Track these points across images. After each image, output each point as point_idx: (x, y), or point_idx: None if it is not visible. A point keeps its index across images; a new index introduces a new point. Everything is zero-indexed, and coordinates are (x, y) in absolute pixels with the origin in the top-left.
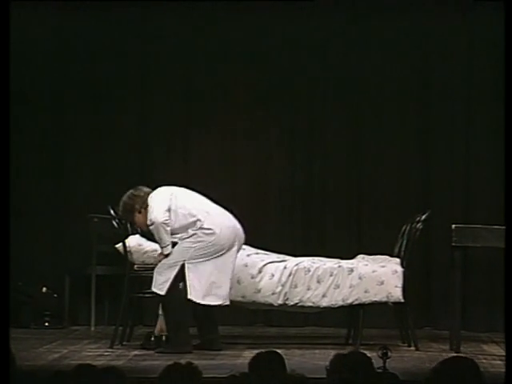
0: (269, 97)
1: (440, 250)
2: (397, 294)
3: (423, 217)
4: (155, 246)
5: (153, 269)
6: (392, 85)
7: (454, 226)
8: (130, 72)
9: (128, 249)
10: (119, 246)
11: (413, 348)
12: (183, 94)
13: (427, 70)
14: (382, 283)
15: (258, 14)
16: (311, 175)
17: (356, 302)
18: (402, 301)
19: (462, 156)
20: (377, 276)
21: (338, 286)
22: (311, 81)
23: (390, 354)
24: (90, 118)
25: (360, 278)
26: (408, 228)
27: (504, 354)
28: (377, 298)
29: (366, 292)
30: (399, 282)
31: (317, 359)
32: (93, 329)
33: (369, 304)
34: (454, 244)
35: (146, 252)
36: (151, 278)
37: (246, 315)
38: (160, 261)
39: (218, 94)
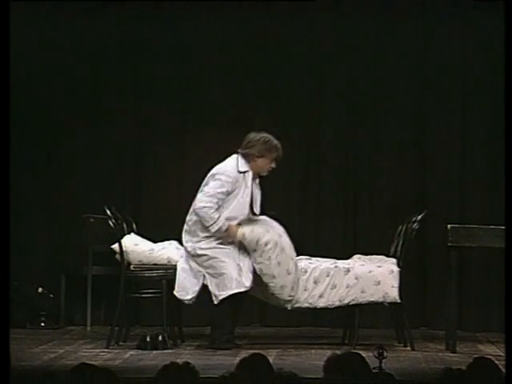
0: (266, 96)
1: (436, 250)
2: (393, 294)
3: (419, 217)
4: (151, 245)
5: (150, 269)
6: (389, 85)
7: (449, 226)
8: (127, 71)
9: (124, 249)
10: (115, 246)
11: (409, 348)
12: (181, 93)
13: (425, 70)
14: (379, 283)
15: (257, 13)
16: (307, 175)
17: (353, 303)
18: (399, 301)
19: (458, 156)
20: (373, 276)
21: (334, 287)
22: (308, 81)
23: (385, 354)
24: (86, 118)
25: (356, 279)
26: (404, 228)
27: (500, 353)
28: (373, 298)
29: (362, 292)
30: (396, 282)
31: (313, 359)
32: (89, 329)
33: (365, 304)
34: (449, 244)
35: (142, 252)
36: (148, 278)
37: (242, 315)
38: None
39: (215, 93)
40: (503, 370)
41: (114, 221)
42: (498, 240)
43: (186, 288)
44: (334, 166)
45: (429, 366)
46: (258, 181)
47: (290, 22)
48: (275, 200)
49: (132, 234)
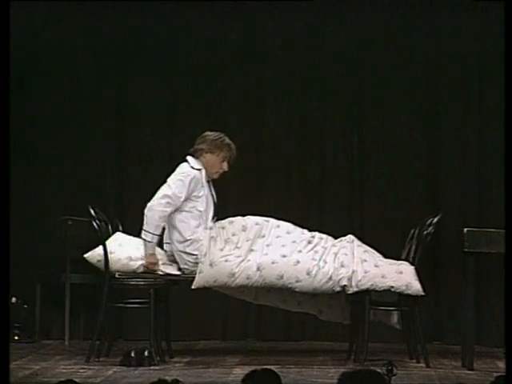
0: (264, 91)
1: (451, 256)
2: (417, 286)
3: (434, 220)
4: (130, 251)
5: (136, 276)
6: (397, 85)
7: (466, 229)
8: (113, 70)
9: (102, 257)
10: (88, 255)
11: (421, 364)
12: (169, 93)
13: (433, 70)
14: (401, 273)
15: (256, 13)
16: (310, 175)
17: (372, 288)
18: (423, 293)
19: (475, 155)
20: (395, 266)
21: (352, 271)
22: (310, 80)
23: (395, 370)
24: (65, 118)
25: (376, 266)
26: (417, 232)
27: None
28: (395, 284)
29: (383, 277)
30: (417, 278)
31: (315, 377)
32: (67, 343)
33: (384, 291)
34: (466, 250)
35: (118, 260)
36: (134, 286)
37: (236, 328)
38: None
39: (208, 93)
40: None
41: (97, 222)
42: None
43: None
44: (340, 165)
45: None
46: (211, 184)
47: (290, 24)
48: (278, 200)
49: (118, 232)
